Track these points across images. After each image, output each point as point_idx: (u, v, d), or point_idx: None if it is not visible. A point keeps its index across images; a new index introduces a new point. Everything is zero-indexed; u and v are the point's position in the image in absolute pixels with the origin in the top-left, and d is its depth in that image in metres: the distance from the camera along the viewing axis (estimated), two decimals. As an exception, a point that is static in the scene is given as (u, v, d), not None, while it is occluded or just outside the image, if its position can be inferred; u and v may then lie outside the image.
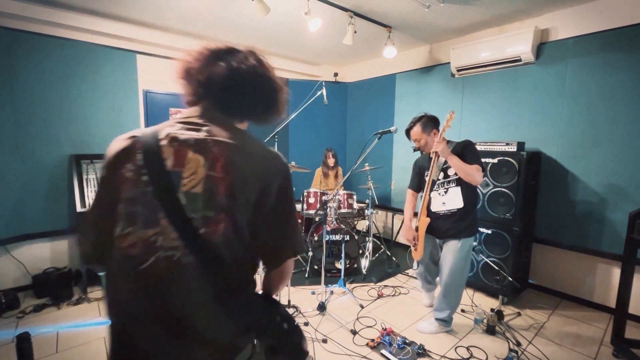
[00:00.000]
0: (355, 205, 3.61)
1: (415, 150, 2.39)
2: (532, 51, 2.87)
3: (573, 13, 2.76)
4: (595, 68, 2.65)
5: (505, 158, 2.77)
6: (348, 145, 4.98)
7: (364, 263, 3.53)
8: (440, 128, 2.21)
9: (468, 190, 2.23)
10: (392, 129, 2.64)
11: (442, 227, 2.31)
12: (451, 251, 2.27)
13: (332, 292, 2.97)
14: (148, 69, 3.52)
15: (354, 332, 2.38)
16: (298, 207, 3.40)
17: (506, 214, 2.78)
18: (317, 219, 3.51)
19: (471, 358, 2.13)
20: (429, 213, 2.35)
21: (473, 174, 2.08)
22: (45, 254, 3.08)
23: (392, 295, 3.02)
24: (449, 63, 3.51)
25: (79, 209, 2.87)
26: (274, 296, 0.89)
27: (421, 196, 2.41)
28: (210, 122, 0.77)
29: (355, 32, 3.02)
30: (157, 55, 3.57)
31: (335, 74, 4.88)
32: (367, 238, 3.80)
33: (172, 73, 0.83)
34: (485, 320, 2.42)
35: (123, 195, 0.71)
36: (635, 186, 2.51)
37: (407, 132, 2.36)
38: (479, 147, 2.50)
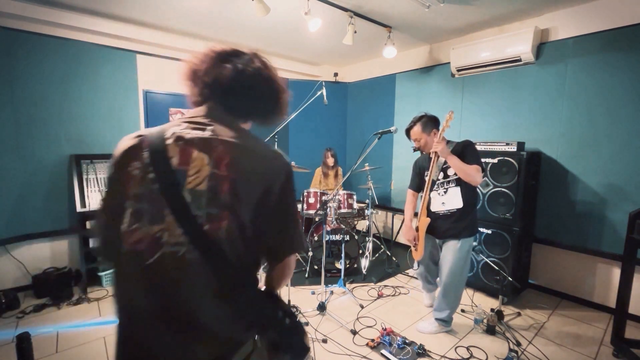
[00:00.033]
0: (355, 205, 3.61)
1: (415, 150, 2.39)
2: (532, 51, 2.87)
3: (573, 13, 2.76)
4: (595, 68, 2.65)
5: (505, 158, 2.77)
6: (348, 145, 4.98)
7: (364, 263, 3.53)
8: (440, 128, 2.21)
9: (468, 191, 2.23)
10: (392, 129, 2.64)
11: (441, 227, 2.31)
12: (451, 251, 2.27)
13: (332, 292, 2.97)
14: (148, 69, 3.52)
15: (354, 332, 2.38)
16: (298, 206, 3.39)
17: (506, 214, 2.78)
18: (317, 219, 3.51)
19: (471, 358, 2.13)
20: (429, 213, 2.35)
21: (472, 174, 2.08)
22: (45, 253, 3.09)
23: (392, 295, 3.02)
24: (449, 63, 3.51)
25: (79, 209, 2.87)
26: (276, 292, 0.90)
27: (421, 196, 2.41)
28: (215, 121, 0.79)
29: (355, 32, 3.02)
30: (157, 55, 3.57)
31: (335, 74, 4.88)
32: (367, 238, 3.80)
33: (178, 74, 0.85)
34: (485, 320, 2.42)
35: (130, 192, 0.73)
36: (635, 186, 2.51)
37: (407, 132, 2.36)
38: (479, 147, 2.50)
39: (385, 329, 2.34)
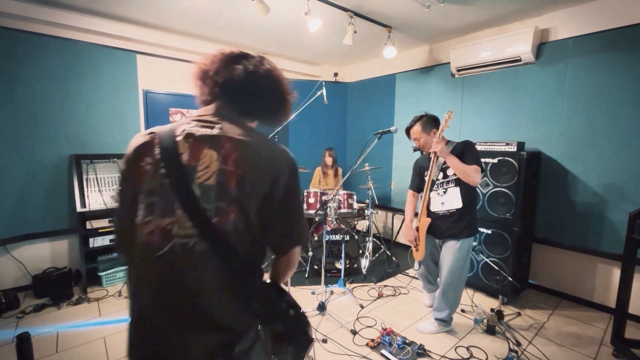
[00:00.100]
0: (355, 205, 3.61)
1: (415, 150, 2.39)
2: (532, 51, 2.87)
3: (573, 13, 2.76)
4: (595, 68, 2.65)
5: (505, 158, 2.77)
6: (348, 145, 4.99)
7: (364, 263, 3.52)
8: (439, 128, 2.21)
9: (467, 191, 2.23)
10: (392, 129, 2.64)
11: (441, 227, 2.31)
12: (450, 251, 2.27)
13: (332, 292, 2.97)
14: (148, 69, 3.52)
15: (354, 332, 2.38)
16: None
17: (506, 214, 2.78)
18: (317, 219, 3.51)
19: (471, 358, 2.13)
20: (429, 213, 2.36)
21: (471, 174, 2.08)
22: (45, 253, 3.09)
23: (392, 295, 3.02)
24: (449, 63, 3.51)
25: (79, 208, 2.87)
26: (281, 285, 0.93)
27: (422, 196, 2.41)
28: (224, 120, 0.83)
29: (355, 32, 3.02)
30: (157, 56, 3.57)
31: (335, 74, 4.88)
32: (367, 238, 3.80)
33: (188, 74, 0.90)
34: (485, 320, 2.42)
35: (143, 187, 0.77)
36: (635, 186, 2.51)
37: (407, 131, 2.37)
38: (479, 147, 2.50)
39: (385, 329, 2.34)
